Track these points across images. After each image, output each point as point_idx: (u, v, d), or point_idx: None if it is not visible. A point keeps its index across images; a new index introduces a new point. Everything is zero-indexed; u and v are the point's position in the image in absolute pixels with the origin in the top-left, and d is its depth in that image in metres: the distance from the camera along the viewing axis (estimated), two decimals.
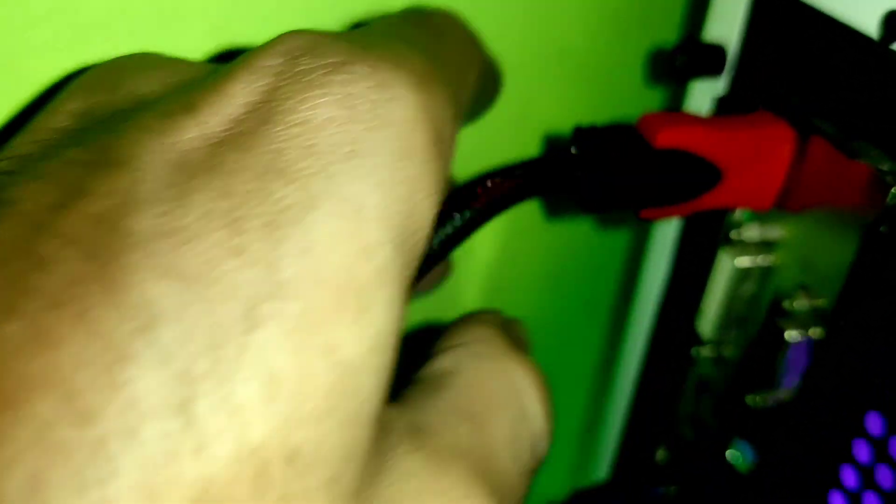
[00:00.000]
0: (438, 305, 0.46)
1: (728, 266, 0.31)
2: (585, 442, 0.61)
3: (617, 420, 0.42)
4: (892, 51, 0.24)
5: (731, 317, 0.32)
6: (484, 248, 0.46)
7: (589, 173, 0.27)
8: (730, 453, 0.32)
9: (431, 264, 0.26)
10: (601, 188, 0.27)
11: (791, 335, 0.28)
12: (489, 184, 0.26)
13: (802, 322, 0.28)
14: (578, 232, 0.50)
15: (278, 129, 0.17)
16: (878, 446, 0.25)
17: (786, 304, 0.28)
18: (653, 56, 0.46)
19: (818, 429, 0.28)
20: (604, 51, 0.44)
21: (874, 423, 0.26)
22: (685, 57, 0.31)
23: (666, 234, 0.36)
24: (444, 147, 0.20)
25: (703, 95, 0.33)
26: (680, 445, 0.37)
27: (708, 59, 0.31)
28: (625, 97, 0.46)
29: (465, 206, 0.26)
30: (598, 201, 0.27)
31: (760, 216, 0.30)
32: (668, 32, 0.46)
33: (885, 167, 0.24)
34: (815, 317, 0.28)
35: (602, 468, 0.44)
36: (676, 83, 0.31)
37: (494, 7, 0.38)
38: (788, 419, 0.29)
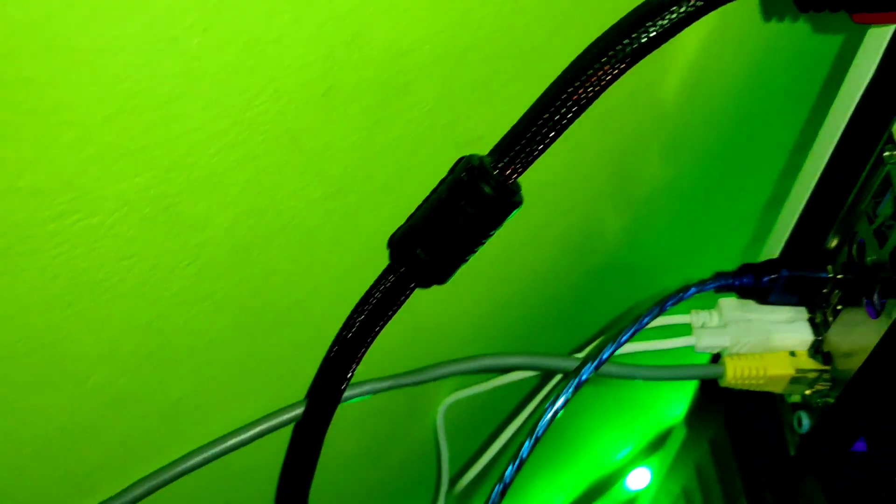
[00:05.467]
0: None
1: None
2: (762, 222, 0.63)
3: (797, 205, 0.44)
4: None
5: None
6: (692, 37, 0.46)
7: None
8: None
9: None
10: None
11: None
12: None
13: None
14: (791, 30, 0.49)
15: None
16: None
17: None
18: None
19: None
20: None
21: None
22: None
23: (877, 43, 0.37)
24: None
25: None
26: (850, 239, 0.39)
27: None
28: None
29: None
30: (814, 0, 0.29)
31: None
32: None
33: None
34: None
35: (774, 249, 0.46)
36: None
37: None
38: None
